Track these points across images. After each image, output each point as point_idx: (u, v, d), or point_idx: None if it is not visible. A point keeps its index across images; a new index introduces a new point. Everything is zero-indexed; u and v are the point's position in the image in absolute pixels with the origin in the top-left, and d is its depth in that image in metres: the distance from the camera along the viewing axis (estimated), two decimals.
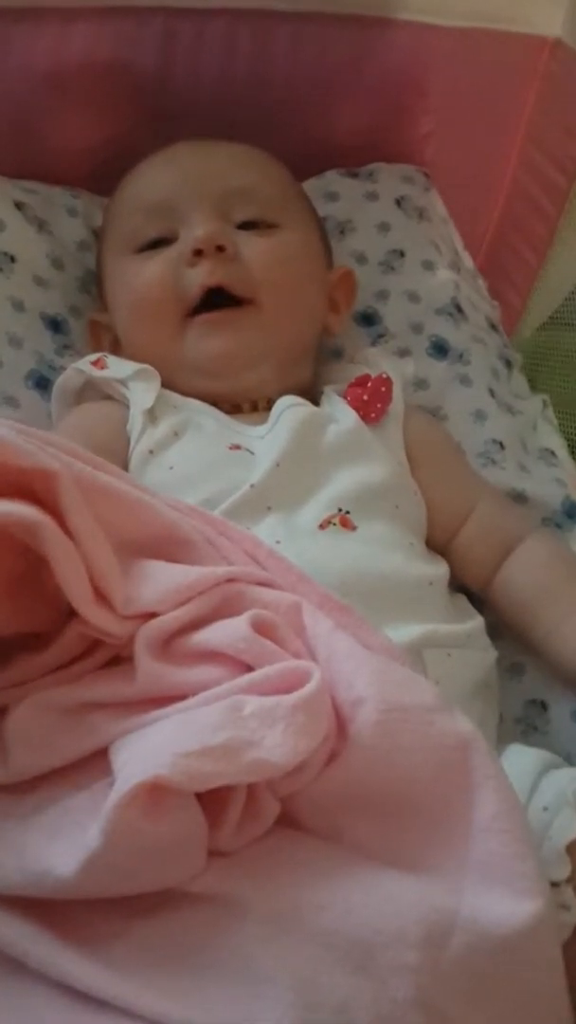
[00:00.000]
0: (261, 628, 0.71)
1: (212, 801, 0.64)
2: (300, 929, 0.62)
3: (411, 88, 1.24)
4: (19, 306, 1.12)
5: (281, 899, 0.63)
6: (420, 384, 1.15)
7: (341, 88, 1.23)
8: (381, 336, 1.19)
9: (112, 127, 1.21)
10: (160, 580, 0.74)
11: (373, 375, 1.04)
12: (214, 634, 0.72)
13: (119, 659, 0.73)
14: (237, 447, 0.97)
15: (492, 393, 1.15)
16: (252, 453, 0.97)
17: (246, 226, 1.06)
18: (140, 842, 0.61)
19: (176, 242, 1.04)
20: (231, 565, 0.78)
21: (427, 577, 0.92)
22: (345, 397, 1.03)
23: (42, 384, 1.09)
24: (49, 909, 0.63)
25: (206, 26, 1.18)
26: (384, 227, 1.24)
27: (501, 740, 0.88)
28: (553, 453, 1.14)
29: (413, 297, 1.20)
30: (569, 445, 1.16)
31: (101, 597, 0.70)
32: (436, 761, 0.67)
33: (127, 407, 1.01)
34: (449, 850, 0.65)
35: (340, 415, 1.01)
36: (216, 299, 1.02)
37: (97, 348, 1.11)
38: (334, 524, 0.92)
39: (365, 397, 1.02)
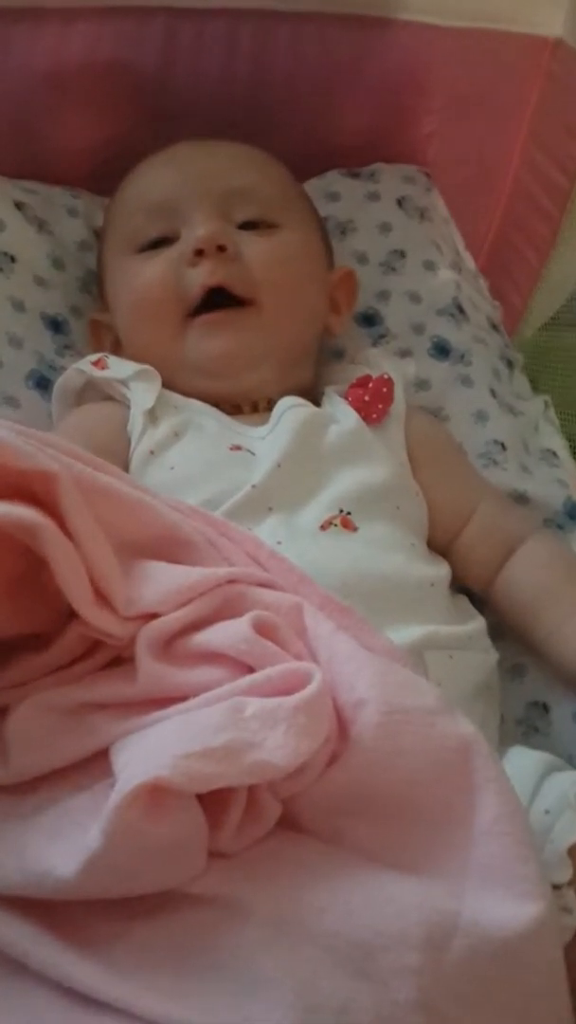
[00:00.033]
0: (262, 629, 0.71)
1: (213, 802, 0.64)
2: (301, 931, 0.62)
3: (412, 88, 1.24)
4: (19, 306, 1.12)
5: (282, 901, 0.63)
6: (421, 385, 1.15)
7: (342, 88, 1.23)
8: (382, 337, 1.19)
9: (112, 127, 1.21)
10: (161, 581, 0.74)
11: (374, 376, 1.04)
12: (215, 635, 0.72)
13: (120, 660, 0.73)
14: (238, 448, 0.97)
15: (494, 394, 1.15)
16: (253, 454, 0.96)
17: (247, 226, 1.05)
18: (141, 843, 0.61)
19: (177, 242, 1.04)
20: (232, 566, 0.78)
21: (428, 578, 0.92)
22: (346, 398, 1.03)
23: (42, 384, 1.08)
24: (50, 910, 0.63)
25: (207, 26, 1.18)
26: (385, 227, 1.24)
27: (502, 742, 0.88)
28: (555, 454, 1.13)
29: (414, 297, 1.20)
30: (571, 446, 1.16)
31: (102, 598, 0.70)
32: (437, 763, 0.67)
33: (128, 407, 1.01)
34: (450, 852, 0.65)
35: (341, 416, 1.01)
36: (217, 299, 1.02)
37: (98, 348, 1.10)
38: (335, 525, 0.92)
39: (366, 398, 1.02)
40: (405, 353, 1.17)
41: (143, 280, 1.04)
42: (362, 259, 1.22)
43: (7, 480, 0.68)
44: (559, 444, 1.15)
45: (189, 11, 1.16)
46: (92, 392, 1.05)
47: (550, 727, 0.95)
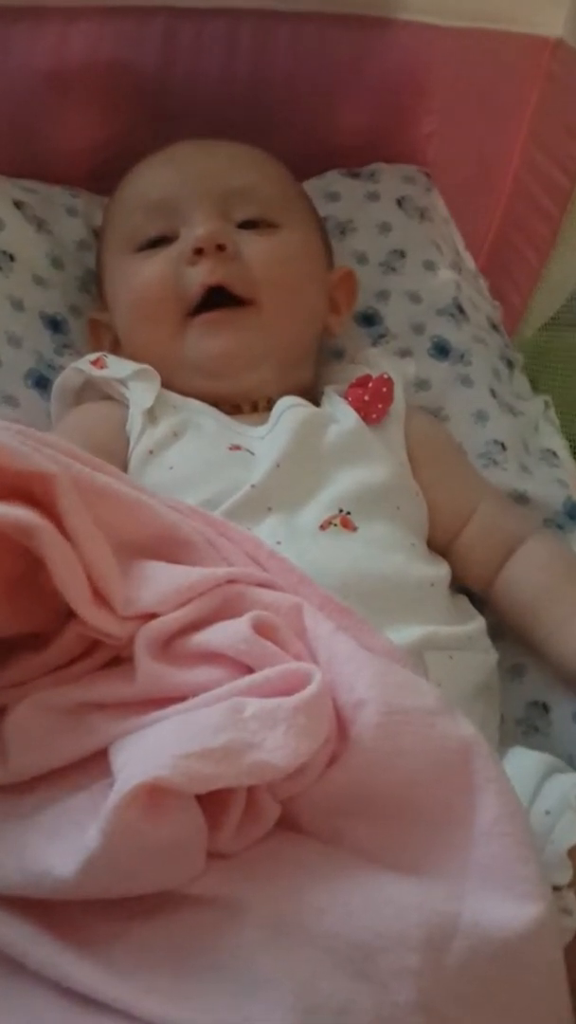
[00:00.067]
0: (262, 629, 0.71)
1: (212, 803, 0.64)
2: (300, 932, 0.62)
3: (412, 88, 1.24)
4: (18, 305, 1.12)
5: (281, 902, 0.63)
6: (421, 385, 1.15)
7: (342, 88, 1.23)
8: (382, 336, 1.18)
9: (112, 126, 1.21)
10: (160, 581, 0.74)
11: (374, 375, 1.04)
12: (214, 635, 0.72)
13: (119, 660, 0.73)
14: (237, 447, 0.97)
15: (493, 394, 1.15)
16: (252, 453, 0.96)
17: (246, 226, 1.05)
18: (140, 843, 0.61)
19: (176, 241, 1.04)
20: (231, 566, 0.78)
21: (428, 578, 0.92)
22: (346, 397, 1.02)
23: (41, 383, 1.08)
24: (49, 910, 0.63)
25: (207, 26, 1.18)
26: (385, 227, 1.24)
27: (502, 742, 0.88)
28: (555, 454, 1.13)
29: (414, 297, 1.20)
30: (571, 446, 1.16)
31: (100, 598, 0.70)
32: (437, 764, 0.67)
33: (127, 407, 1.01)
34: (450, 853, 0.65)
35: (341, 415, 1.00)
36: (216, 298, 1.02)
37: (97, 347, 1.10)
38: (335, 525, 0.91)
39: (366, 397, 1.01)
40: (405, 353, 1.17)
41: (142, 279, 1.04)
42: (362, 259, 1.22)
43: (5, 481, 0.68)
44: (559, 444, 1.15)
45: (189, 11, 1.17)
46: (91, 391, 1.05)
47: (550, 727, 0.95)
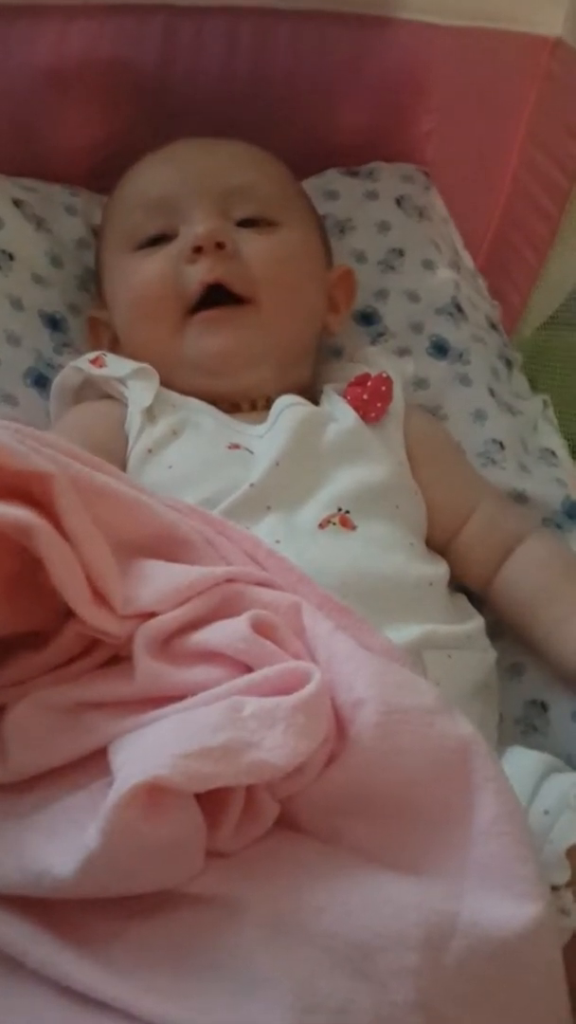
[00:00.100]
0: (261, 629, 0.71)
1: (211, 802, 0.64)
2: (299, 931, 0.62)
3: (411, 87, 1.24)
4: (18, 304, 1.12)
5: (280, 901, 0.63)
6: (420, 384, 1.15)
7: (341, 87, 1.23)
8: (381, 335, 1.18)
9: (112, 125, 1.21)
10: (159, 580, 0.74)
11: (373, 374, 1.04)
12: (213, 634, 0.72)
13: (118, 659, 0.73)
14: (236, 446, 0.97)
15: (492, 393, 1.15)
16: (251, 452, 0.96)
17: (246, 224, 1.05)
18: (139, 842, 0.61)
19: (176, 239, 1.04)
20: (230, 565, 0.78)
21: (427, 577, 0.92)
22: (345, 396, 1.02)
23: (41, 382, 1.08)
24: (48, 909, 0.63)
25: (206, 24, 1.18)
26: (384, 226, 1.24)
27: (501, 741, 0.88)
28: (553, 453, 1.13)
29: (413, 296, 1.20)
30: (570, 445, 1.16)
31: (99, 597, 0.70)
32: (436, 763, 0.67)
33: (126, 406, 1.01)
34: (449, 853, 0.65)
35: (340, 414, 1.00)
36: (216, 296, 1.02)
37: (96, 346, 1.10)
38: (334, 524, 0.91)
39: (365, 396, 1.01)
40: (404, 352, 1.17)
41: (141, 277, 1.04)
42: (361, 258, 1.22)
43: (3, 481, 0.68)
44: (558, 443, 1.15)
45: (189, 9, 1.16)
46: (90, 390, 1.05)
47: (548, 726, 0.95)
